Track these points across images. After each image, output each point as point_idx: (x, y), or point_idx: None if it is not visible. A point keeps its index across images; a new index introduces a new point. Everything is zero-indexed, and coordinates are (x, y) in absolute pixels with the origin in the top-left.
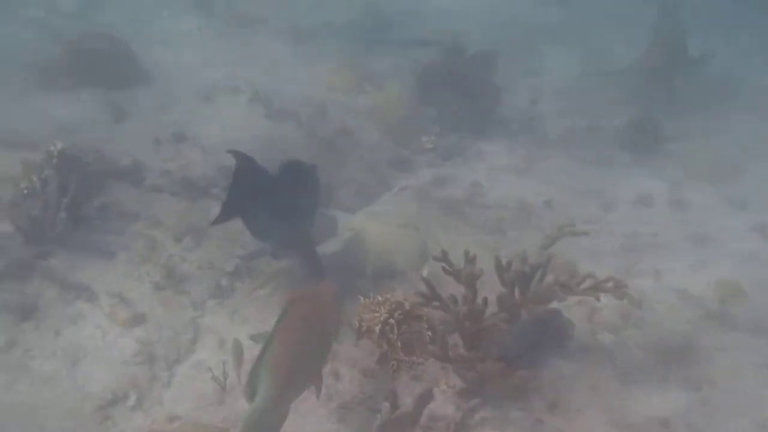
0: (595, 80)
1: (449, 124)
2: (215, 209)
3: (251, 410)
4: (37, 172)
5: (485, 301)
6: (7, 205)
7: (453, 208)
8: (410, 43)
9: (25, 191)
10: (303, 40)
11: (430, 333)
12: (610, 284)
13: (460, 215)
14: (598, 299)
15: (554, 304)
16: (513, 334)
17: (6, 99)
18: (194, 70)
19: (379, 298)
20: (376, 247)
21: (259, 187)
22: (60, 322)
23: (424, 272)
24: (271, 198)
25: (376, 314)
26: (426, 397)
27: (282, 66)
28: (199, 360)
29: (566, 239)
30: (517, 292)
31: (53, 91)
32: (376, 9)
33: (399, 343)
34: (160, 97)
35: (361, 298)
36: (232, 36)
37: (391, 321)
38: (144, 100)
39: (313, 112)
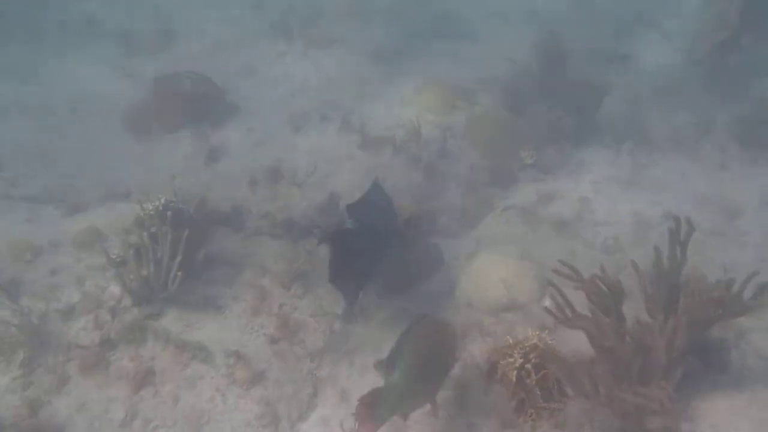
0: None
1: (546, 136)
2: (320, 249)
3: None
4: (145, 227)
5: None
6: (115, 264)
7: (564, 228)
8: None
9: (133, 249)
10: (384, 59)
11: (569, 374)
12: None
13: (572, 235)
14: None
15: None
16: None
17: (101, 148)
18: (279, 98)
19: (510, 340)
20: (493, 282)
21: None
22: (178, 387)
23: (546, 302)
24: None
25: (511, 359)
26: None
27: (367, 86)
28: (323, 416)
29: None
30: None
31: (145, 136)
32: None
33: (537, 390)
34: (250, 133)
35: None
36: (313, 59)
37: (528, 366)
38: (235, 137)
39: (407, 136)
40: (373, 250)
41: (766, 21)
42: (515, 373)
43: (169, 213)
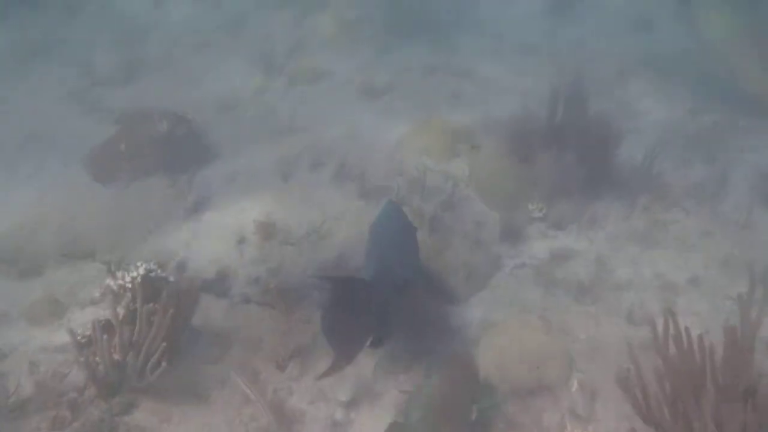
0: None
1: (556, 186)
2: (315, 319)
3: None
4: (118, 299)
5: None
6: (81, 346)
7: (582, 293)
8: None
9: (102, 327)
10: (376, 94)
11: None
12: None
13: (593, 300)
14: None
15: None
16: None
17: (59, 196)
18: (264, 139)
19: None
20: (515, 359)
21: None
22: None
23: (574, 386)
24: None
25: None
26: None
27: (360, 127)
28: None
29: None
30: None
31: (113, 182)
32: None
33: None
34: (233, 180)
35: None
36: (299, 95)
37: None
38: (217, 185)
39: (408, 185)
40: (385, 300)
41: None
42: None
43: (140, 283)
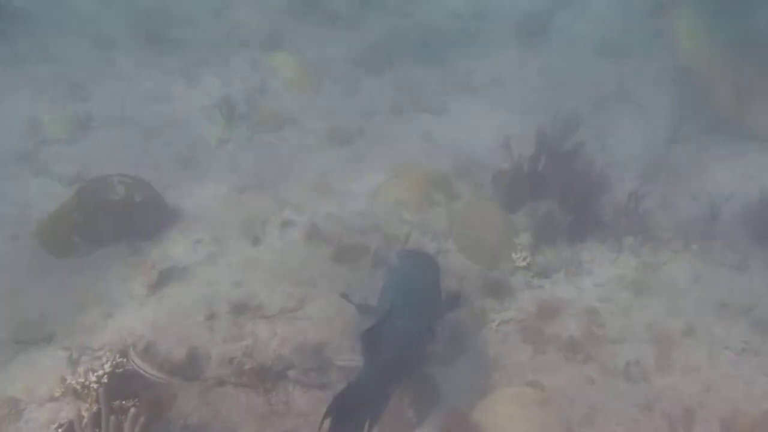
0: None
1: (540, 233)
2: (298, 401)
3: None
4: (82, 400)
5: None
6: None
7: (575, 350)
8: None
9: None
10: (344, 140)
11: None
12: None
13: (586, 358)
14: None
15: None
16: None
17: (7, 271)
18: (228, 197)
19: None
20: None
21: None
22: None
23: None
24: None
25: None
26: None
27: (331, 178)
28: None
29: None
30: None
31: (68, 255)
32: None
33: None
34: (198, 246)
35: None
36: (263, 145)
37: None
38: (181, 253)
39: (385, 241)
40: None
41: None
42: None
43: (104, 387)
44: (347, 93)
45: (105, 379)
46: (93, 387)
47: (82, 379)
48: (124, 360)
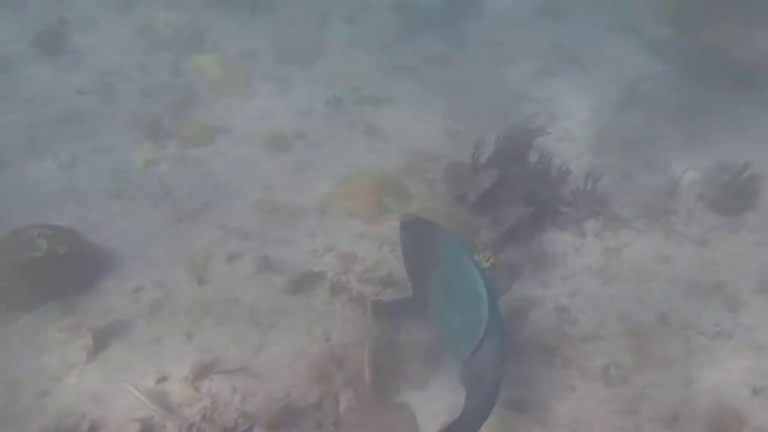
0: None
1: (502, 230)
2: None
3: None
4: None
5: None
6: None
7: (550, 355)
8: None
9: None
10: (284, 145)
11: None
12: None
13: (563, 363)
14: None
15: None
16: None
17: None
18: (166, 232)
19: None
20: None
21: None
22: None
23: None
24: None
25: None
26: None
27: (274, 192)
28: None
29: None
30: None
31: None
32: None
33: None
34: (139, 294)
35: None
36: (196, 162)
37: None
38: (119, 306)
39: (341, 265)
40: None
41: None
42: None
43: None
44: (279, 91)
45: None
46: None
47: None
48: None
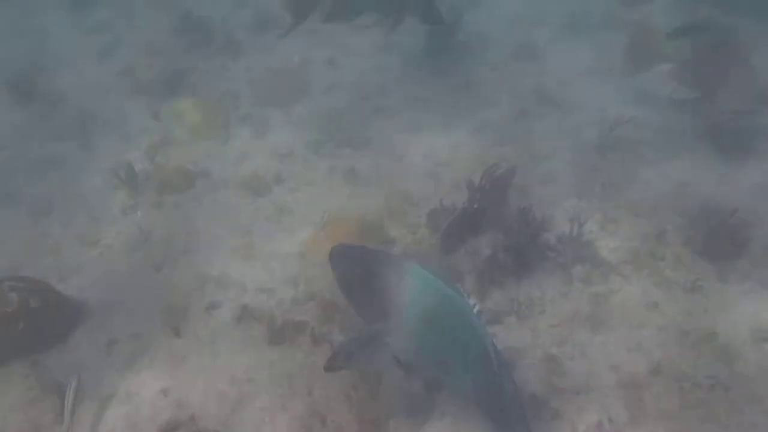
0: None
1: (486, 274)
2: None
3: None
4: None
5: None
6: None
7: (539, 407)
8: None
9: None
10: (263, 190)
11: None
12: None
13: (553, 416)
14: None
15: None
16: None
17: None
18: (142, 282)
19: None
20: None
21: None
22: None
23: None
24: None
25: None
26: None
27: (254, 240)
28: None
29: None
30: None
31: None
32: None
33: None
34: (113, 349)
35: None
36: (173, 208)
37: None
38: (92, 360)
39: (322, 314)
40: None
41: None
42: None
43: None
44: (258, 133)
45: None
46: None
47: None
48: None
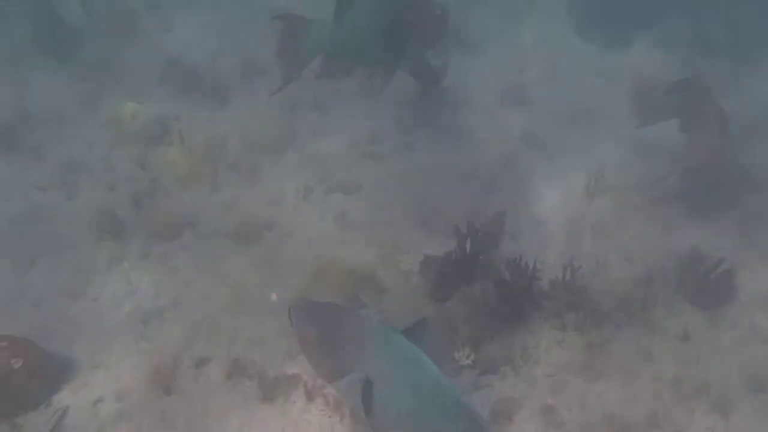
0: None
1: (481, 324)
2: None
3: None
4: None
5: None
6: None
7: None
8: None
9: None
10: (251, 239)
11: None
12: None
13: None
14: None
15: None
16: None
17: None
18: (125, 337)
19: None
20: None
21: None
22: None
23: None
24: None
25: None
26: None
27: (242, 291)
28: None
29: None
30: None
31: None
32: None
33: None
34: (99, 408)
35: None
36: (161, 260)
37: None
38: (77, 422)
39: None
40: None
41: None
42: None
43: None
44: (248, 181)
45: None
46: None
47: None
48: None
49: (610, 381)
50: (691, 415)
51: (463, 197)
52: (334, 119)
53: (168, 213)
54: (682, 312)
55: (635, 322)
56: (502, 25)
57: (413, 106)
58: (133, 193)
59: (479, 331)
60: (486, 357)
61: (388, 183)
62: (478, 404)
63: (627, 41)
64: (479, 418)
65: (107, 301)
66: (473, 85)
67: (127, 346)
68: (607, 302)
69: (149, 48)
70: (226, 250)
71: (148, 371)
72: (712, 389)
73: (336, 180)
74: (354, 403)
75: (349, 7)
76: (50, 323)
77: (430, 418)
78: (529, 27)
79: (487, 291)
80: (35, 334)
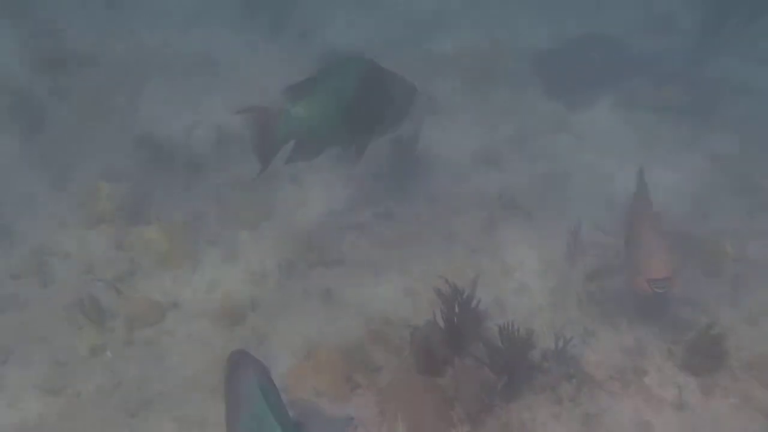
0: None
1: (478, 398)
2: None
3: None
4: None
5: None
6: None
7: None
8: None
9: None
10: (237, 319)
11: None
12: None
13: None
14: None
15: None
16: None
17: None
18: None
19: None
20: None
21: None
22: None
23: None
24: None
25: None
26: None
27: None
28: None
29: None
30: None
31: None
32: None
33: None
34: None
35: None
36: (145, 346)
37: None
38: None
39: None
40: None
41: None
42: None
43: None
44: (228, 257)
45: None
46: None
47: None
48: None
49: None
50: None
51: (447, 263)
52: (312, 190)
53: (149, 296)
54: (676, 379)
55: (630, 391)
56: (469, 88)
57: (388, 174)
58: (112, 276)
59: (478, 405)
60: None
61: (370, 253)
62: None
63: (591, 100)
64: None
65: (90, 395)
66: (446, 149)
67: None
68: (600, 372)
69: (120, 123)
70: (210, 332)
71: None
72: None
73: (317, 253)
74: None
75: (309, 93)
76: (29, 424)
77: None
78: (498, 90)
79: (479, 365)
80: None
